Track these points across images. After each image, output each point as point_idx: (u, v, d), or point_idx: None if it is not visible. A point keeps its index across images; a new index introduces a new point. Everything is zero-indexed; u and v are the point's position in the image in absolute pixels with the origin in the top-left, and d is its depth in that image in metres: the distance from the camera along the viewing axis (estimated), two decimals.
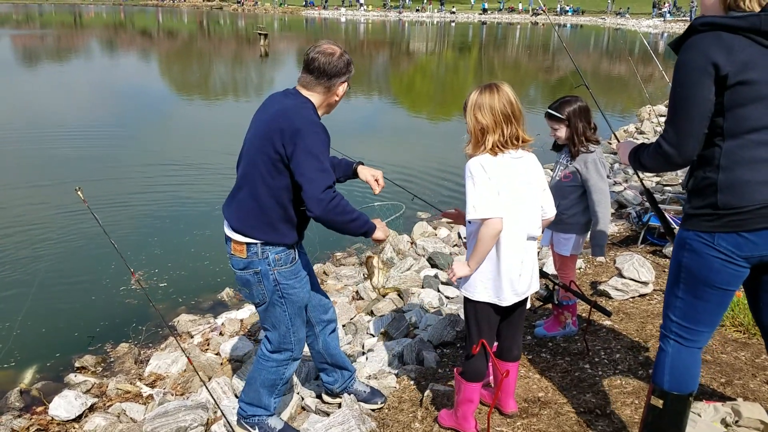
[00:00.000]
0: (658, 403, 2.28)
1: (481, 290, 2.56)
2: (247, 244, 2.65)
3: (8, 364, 4.34)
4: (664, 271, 4.55)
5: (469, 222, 2.51)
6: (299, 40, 38.10)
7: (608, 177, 3.98)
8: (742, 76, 1.94)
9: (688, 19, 47.67)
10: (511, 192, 2.46)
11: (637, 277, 4.22)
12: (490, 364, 2.81)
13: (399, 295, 4.93)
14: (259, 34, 30.54)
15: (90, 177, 8.13)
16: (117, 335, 4.74)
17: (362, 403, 3.18)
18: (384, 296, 4.94)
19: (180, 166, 9.34)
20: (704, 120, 2.01)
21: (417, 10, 65.16)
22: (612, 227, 5.66)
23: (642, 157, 2.24)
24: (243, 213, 2.66)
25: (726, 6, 2.02)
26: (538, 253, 2.97)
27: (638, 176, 3.52)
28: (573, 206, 3.39)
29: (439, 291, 4.88)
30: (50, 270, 5.73)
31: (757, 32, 1.95)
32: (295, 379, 3.58)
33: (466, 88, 20.42)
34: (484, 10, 63.37)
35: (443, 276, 5.18)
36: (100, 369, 4.32)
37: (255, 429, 2.98)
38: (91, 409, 3.73)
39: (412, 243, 6.32)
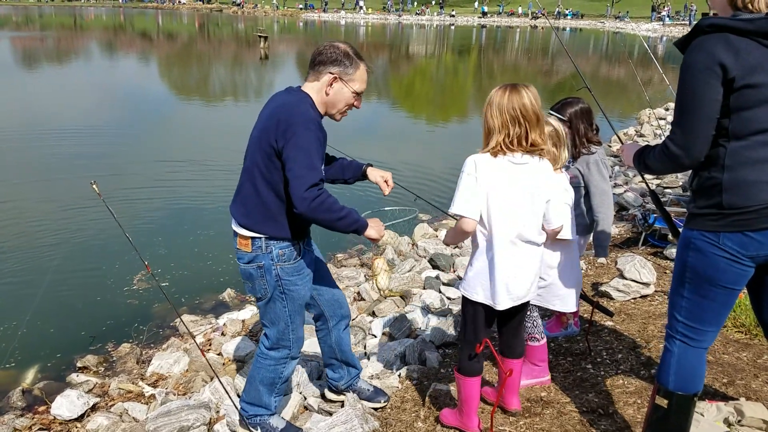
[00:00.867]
0: (663, 402, 2.28)
1: (480, 291, 2.57)
2: (252, 238, 2.67)
3: (10, 364, 4.34)
4: (666, 273, 4.57)
5: None
6: (299, 43, 38.18)
7: (610, 178, 3.99)
8: (749, 79, 1.95)
9: (687, 23, 47.86)
10: (504, 196, 2.45)
11: (638, 278, 4.23)
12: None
13: (401, 296, 4.94)
14: (259, 36, 30.58)
15: (88, 176, 8.14)
16: (119, 335, 4.74)
17: (365, 402, 3.19)
18: (386, 297, 4.95)
19: (183, 167, 9.35)
20: (712, 121, 2.01)
21: (417, 14, 65.32)
22: (613, 229, 5.68)
23: (648, 159, 2.23)
24: (246, 207, 2.68)
25: (734, 5, 2.02)
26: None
27: (643, 178, 3.53)
28: (575, 208, 3.40)
29: (440, 292, 4.88)
30: (58, 272, 5.72)
31: (764, 35, 1.95)
32: (298, 378, 3.59)
33: (465, 91, 20.51)
34: (484, 14, 63.53)
35: (445, 277, 5.19)
36: (102, 369, 4.32)
37: (257, 429, 2.98)
38: (94, 408, 3.73)
39: (413, 245, 6.33)
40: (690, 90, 2.02)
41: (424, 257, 5.82)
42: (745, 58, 1.95)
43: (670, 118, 12.45)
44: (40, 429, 3.60)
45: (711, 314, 2.21)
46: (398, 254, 6.07)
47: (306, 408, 3.40)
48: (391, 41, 38.00)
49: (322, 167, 2.64)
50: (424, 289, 5.00)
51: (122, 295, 5.33)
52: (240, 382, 3.66)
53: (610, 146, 9.61)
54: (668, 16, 51.93)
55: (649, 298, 4.21)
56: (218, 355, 4.30)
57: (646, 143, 2.54)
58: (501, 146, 2.42)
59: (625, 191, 7.05)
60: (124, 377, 4.13)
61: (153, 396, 3.78)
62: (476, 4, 67.60)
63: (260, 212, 2.64)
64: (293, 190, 2.48)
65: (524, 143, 2.43)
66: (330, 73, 2.63)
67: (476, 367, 2.73)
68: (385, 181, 3.01)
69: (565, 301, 3.05)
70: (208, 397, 3.51)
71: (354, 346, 4.21)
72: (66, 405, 3.66)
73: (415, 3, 71.16)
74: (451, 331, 3.95)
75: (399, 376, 3.52)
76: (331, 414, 3.19)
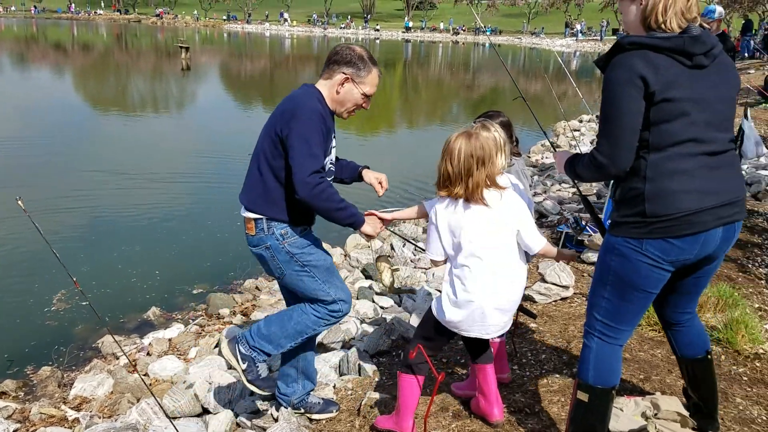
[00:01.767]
0: (584, 397, 2.39)
1: (451, 313, 2.59)
2: (255, 220, 2.77)
3: None
4: (583, 276, 4.81)
5: None
6: (222, 54, 37.51)
7: (530, 187, 4.19)
8: (666, 94, 2.08)
9: (599, 38, 50.58)
10: (470, 237, 2.52)
11: (558, 281, 4.45)
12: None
13: None
14: (180, 47, 29.84)
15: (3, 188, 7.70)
16: (39, 357, 4.51)
17: (317, 415, 3.16)
18: None
19: (103, 179, 8.97)
20: (635, 132, 2.12)
21: (342, 27, 65.67)
22: None
23: (577, 167, 2.33)
24: (251, 190, 2.79)
25: (646, 26, 2.17)
26: None
27: (576, 185, 3.71)
28: None
29: (374, 302, 4.94)
30: None
31: (680, 53, 2.10)
32: (229, 395, 3.53)
33: (391, 104, 20.75)
34: (408, 29, 64.67)
35: (377, 287, 5.25)
36: (22, 393, 4.10)
37: (245, 363, 2.82)
38: None
39: (345, 255, 6.35)
40: (613, 103, 2.13)
41: (357, 268, 5.86)
42: (663, 73, 2.08)
43: (584, 130, 13.11)
44: None
45: (629, 315, 2.34)
46: None
47: (239, 425, 3.35)
48: (318, 54, 37.97)
49: (326, 158, 2.74)
50: (357, 299, 5.03)
51: (42, 316, 5.07)
52: (168, 402, 3.55)
53: (529, 156, 10.03)
54: (581, 32, 54.68)
55: (568, 300, 4.43)
56: (145, 375, 4.16)
57: (577, 152, 2.67)
58: (460, 195, 2.51)
59: (544, 199, 7.37)
60: (46, 401, 3.92)
61: (77, 420, 3.62)
62: (406, 19, 68.65)
63: (262, 194, 2.75)
64: (295, 176, 2.58)
65: (490, 182, 2.50)
66: (343, 73, 2.75)
67: (419, 367, 2.70)
68: (380, 183, 3.07)
69: None
70: (136, 419, 3.39)
71: None
72: None
73: (340, 17, 71.59)
74: (385, 339, 4.01)
75: (334, 387, 3.53)
76: (264, 430, 3.16)
